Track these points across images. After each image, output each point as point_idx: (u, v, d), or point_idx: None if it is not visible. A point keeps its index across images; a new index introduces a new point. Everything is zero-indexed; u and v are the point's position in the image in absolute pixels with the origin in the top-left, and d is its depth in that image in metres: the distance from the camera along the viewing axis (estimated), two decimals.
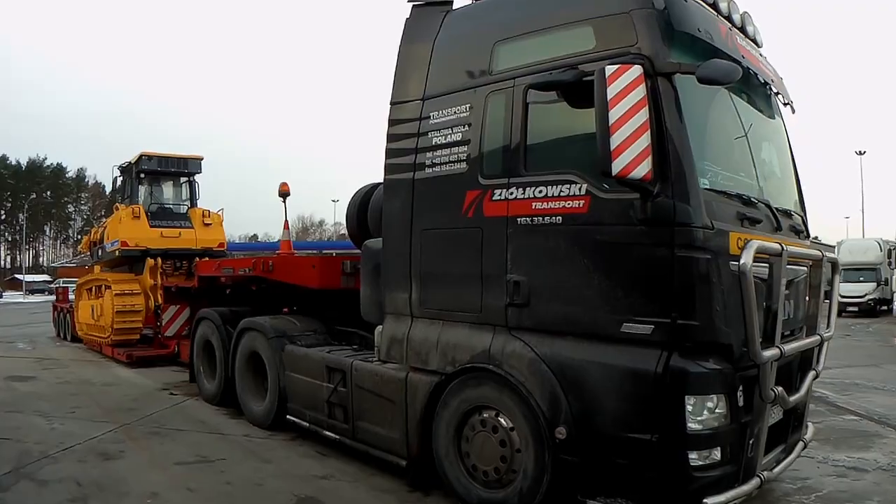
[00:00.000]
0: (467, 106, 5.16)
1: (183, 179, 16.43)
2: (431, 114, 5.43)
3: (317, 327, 7.69)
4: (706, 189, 4.21)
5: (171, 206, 16.23)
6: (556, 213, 4.52)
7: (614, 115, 3.94)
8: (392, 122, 5.80)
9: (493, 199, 4.88)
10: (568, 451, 4.41)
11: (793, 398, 4.73)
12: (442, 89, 5.40)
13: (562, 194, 4.49)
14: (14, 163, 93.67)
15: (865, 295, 30.23)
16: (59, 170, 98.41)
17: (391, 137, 5.79)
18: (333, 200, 76.82)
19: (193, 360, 9.65)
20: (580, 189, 4.41)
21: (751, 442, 4.36)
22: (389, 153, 5.79)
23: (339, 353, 6.75)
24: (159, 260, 14.19)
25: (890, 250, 27.09)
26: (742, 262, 4.06)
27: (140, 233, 14.55)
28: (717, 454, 4.14)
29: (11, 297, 58.63)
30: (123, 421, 8.02)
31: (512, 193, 4.76)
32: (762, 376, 4.25)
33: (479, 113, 5.06)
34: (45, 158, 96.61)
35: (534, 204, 4.63)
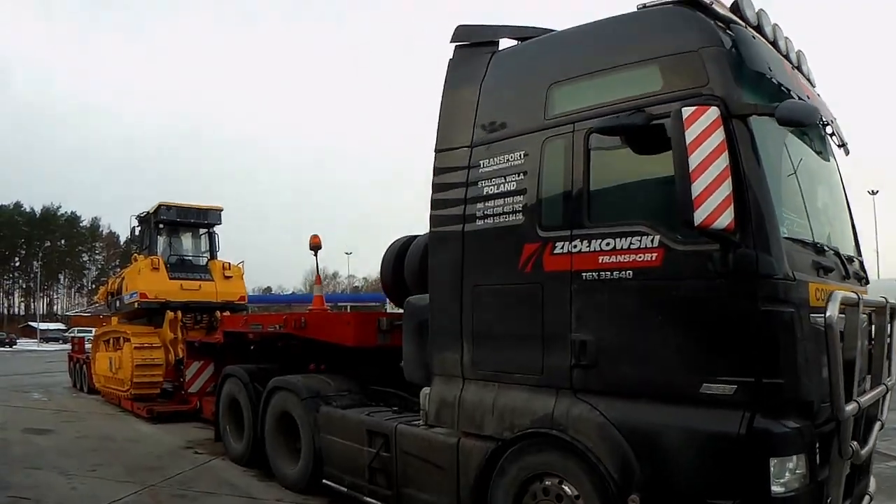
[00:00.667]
0: (521, 153, 4.90)
1: (202, 230, 16.31)
2: (481, 161, 5.17)
3: (351, 387, 7.38)
4: (785, 238, 3.96)
5: (190, 257, 16.13)
6: (626, 268, 4.24)
7: (694, 160, 3.70)
8: (438, 171, 5.54)
9: (554, 252, 4.60)
10: None
11: (863, 451, 4.47)
12: (492, 135, 5.16)
13: (632, 247, 4.21)
14: (28, 210, 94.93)
15: None
16: (74, 218, 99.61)
17: (437, 187, 5.53)
18: (347, 253, 76.84)
19: (219, 418, 9.35)
20: (652, 241, 4.13)
21: (829, 501, 4.13)
22: (435, 204, 5.53)
23: (378, 415, 6.44)
24: (179, 313, 14.03)
25: None
26: (828, 314, 3.85)
27: (159, 285, 14.37)
28: None
29: (26, 344, 58.80)
30: (148, 481, 7.72)
31: (575, 246, 4.49)
32: (843, 432, 4.06)
33: (536, 160, 4.80)
34: (60, 206, 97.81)
35: (600, 258, 4.35)
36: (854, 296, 4.23)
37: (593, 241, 4.40)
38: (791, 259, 3.90)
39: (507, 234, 4.92)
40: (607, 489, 4.21)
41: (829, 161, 5.46)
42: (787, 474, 3.82)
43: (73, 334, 30.05)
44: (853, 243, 5.53)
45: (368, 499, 6.17)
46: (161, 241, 15.71)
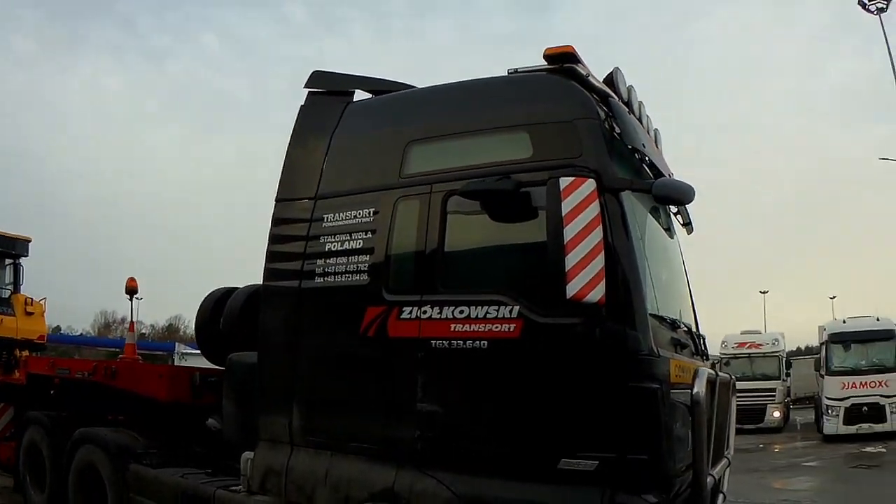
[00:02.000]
0: (371, 210, 4.62)
1: (8, 261, 14.90)
2: (325, 216, 4.83)
3: (160, 444, 6.73)
4: (650, 315, 3.97)
5: None
6: (480, 337, 4.03)
7: (569, 232, 3.63)
8: (276, 222, 5.14)
9: (401, 317, 4.33)
10: None
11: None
12: (339, 189, 4.84)
13: (488, 316, 4.02)
14: None
15: None
16: None
17: (274, 238, 5.12)
18: (138, 298, 72.13)
19: (20, 467, 8.30)
20: (511, 311, 3.96)
21: None
22: (271, 256, 5.11)
23: (193, 477, 5.88)
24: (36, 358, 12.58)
25: (712, 363, 28.65)
26: (695, 391, 3.92)
27: None
28: None
29: None
30: None
31: (425, 312, 4.24)
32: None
33: (387, 219, 4.52)
34: None
35: (453, 326, 4.13)
36: (714, 373, 4.38)
37: (445, 308, 4.19)
38: (654, 335, 3.90)
39: (349, 294, 4.62)
40: None
41: (673, 238, 5.64)
42: None
43: None
44: (693, 319, 5.70)
45: None
46: None
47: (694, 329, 5.35)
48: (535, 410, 3.97)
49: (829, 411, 20.80)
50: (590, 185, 3.74)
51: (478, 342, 4.07)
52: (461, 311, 4.13)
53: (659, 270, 4.84)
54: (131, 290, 8.13)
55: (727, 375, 5.22)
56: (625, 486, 3.74)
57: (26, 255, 14.93)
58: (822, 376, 22.13)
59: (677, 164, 5.50)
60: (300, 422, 4.81)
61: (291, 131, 5.29)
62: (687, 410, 4.00)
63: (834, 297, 54.40)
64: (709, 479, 4.10)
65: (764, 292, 61.31)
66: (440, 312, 4.21)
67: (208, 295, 7.03)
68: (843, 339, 21.66)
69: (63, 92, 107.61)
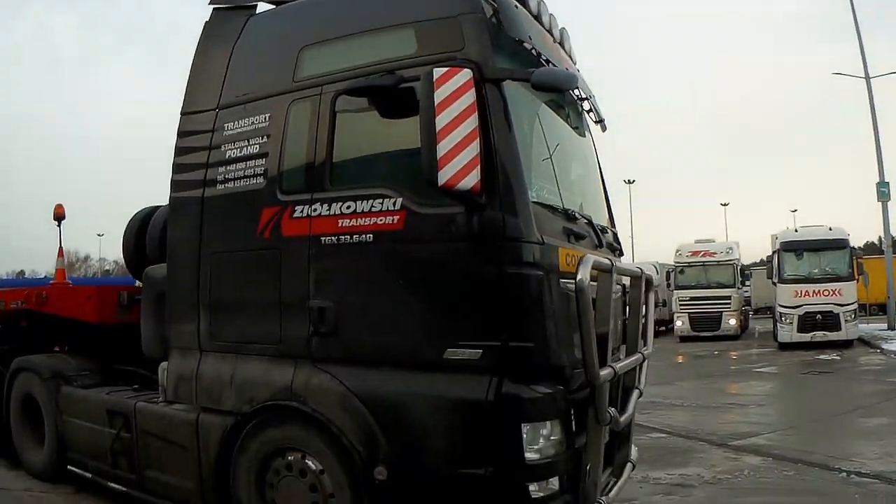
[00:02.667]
0: (266, 116, 4.70)
1: None
2: (226, 125, 4.91)
3: (93, 366, 6.81)
4: (534, 202, 3.99)
5: None
6: (366, 231, 4.14)
7: (442, 120, 3.63)
8: (181, 134, 5.22)
9: (294, 216, 4.43)
10: (389, 493, 4.00)
11: (623, 418, 4.65)
12: (239, 98, 4.90)
13: (373, 210, 4.11)
14: None
15: None
16: None
17: (179, 151, 5.21)
18: (99, 234, 71.46)
19: None
20: (394, 204, 4.05)
21: (588, 468, 4.16)
22: (177, 168, 5.21)
23: (119, 394, 5.97)
24: None
25: (668, 272, 29.36)
26: (578, 278, 3.85)
27: None
28: (554, 483, 3.88)
29: None
30: None
31: (315, 210, 4.34)
32: (598, 398, 4.05)
33: (280, 123, 4.61)
34: None
35: (341, 221, 4.23)
36: (607, 262, 4.30)
37: (333, 205, 4.28)
38: (540, 223, 3.92)
39: (246, 198, 4.72)
40: (352, 462, 4.11)
41: (584, 137, 5.68)
42: (541, 441, 3.82)
43: None
44: (607, 216, 5.81)
45: (112, 484, 5.76)
46: None
47: (603, 224, 5.41)
48: (419, 301, 4.06)
49: (783, 319, 21.39)
50: (465, 74, 3.74)
51: (364, 236, 4.17)
52: (348, 207, 4.22)
53: (564, 165, 4.93)
54: (59, 217, 8.08)
55: (637, 269, 5.26)
56: (512, 376, 3.81)
57: None
58: (774, 284, 22.63)
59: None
60: (206, 327, 4.91)
61: (195, 47, 5.31)
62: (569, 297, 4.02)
63: (795, 211, 55.31)
64: (605, 372, 4.09)
65: (725, 204, 62.35)
66: (329, 209, 4.30)
67: (134, 215, 7.04)
68: (795, 247, 22.07)
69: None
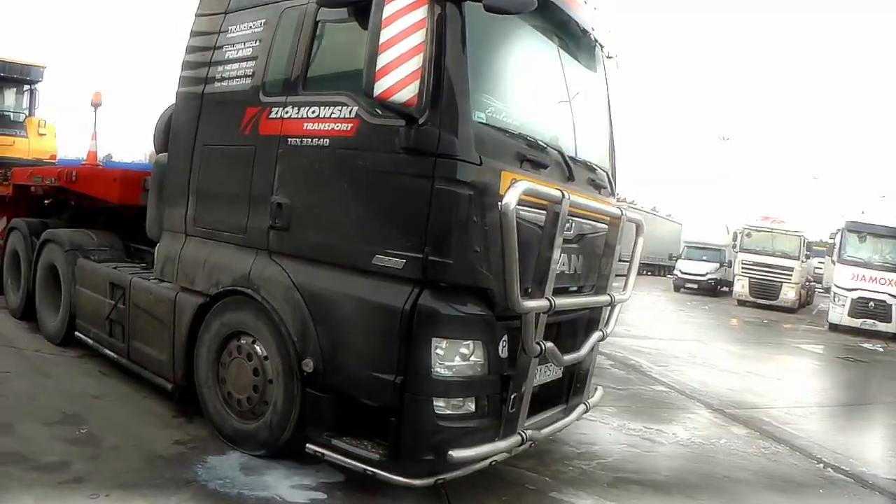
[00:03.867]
0: (262, 21, 4.91)
1: (25, 87, 15.52)
2: (230, 27, 5.17)
3: (113, 243, 7.32)
4: (481, 123, 4.04)
5: (9, 113, 15.28)
6: (324, 136, 4.33)
7: (387, 34, 3.69)
8: (193, 34, 5.52)
9: (270, 117, 4.67)
10: (316, 385, 4.26)
11: (568, 357, 4.64)
12: (244, 3, 5.13)
13: (332, 116, 4.30)
14: None
15: (707, 274, 31.63)
16: None
17: (189, 49, 5.52)
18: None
19: (3, 270, 9.05)
20: (350, 112, 4.21)
21: (513, 397, 4.21)
22: (185, 65, 5.52)
23: (125, 269, 6.42)
24: (21, 169, 13.30)
25: (735, 233, 28.62)
26: (504, 201, 3.79)
27: None
28: (470, 405, 4.01)
29: None
30: None
31: (287, 112, 4.56)
32: (524, 327, 4.07)
33: (272, 28, 4.82)
34: None
35: (305, 124, 4.44)
36: (555, 192, 4.19)
37: (302, 108, 4.49)
38: (483, 145, 3.96)
39: (236, 97, 4.97)
40: (289, 352, 4.39)
41: (593, 71, 5.59)
42: (456, 359, 3.93)
43: None
44: (606, 156, 5.71)
45: (107, 351, 6.27)
46: None
47: (592, 161, 5.30)
48: (359, 206, 4.21)
49: (836, 299, 20.67)
50: None
51: (322, 140, 4.36)
52: (313, 111, 4.42)
53: (549, 96, 4.92)
54: (96, 104, 8.58)
55: (617, 210, 5.13)
56: (434, 291, 3.91)
57: (41, 81, 15.59)
58: (833, 263, 21.86)
59: None
60: (192, 213, 5.28)
61: None
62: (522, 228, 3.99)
63: (884, 197, 52.13)
64: (534, 303, 4.06)
65: (815, 178, 59.34)
66: (298, 112, 4.51)
67: (166, 108, 7.36)
68: (859, 229, 21.11)
69: None
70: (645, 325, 15.63)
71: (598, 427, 6.40)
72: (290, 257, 4.54)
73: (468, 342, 3.97)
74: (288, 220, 4.50)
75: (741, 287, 27.12)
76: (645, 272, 41.76)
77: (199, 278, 5.10)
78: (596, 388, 5.78)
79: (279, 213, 4.52)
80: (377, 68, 3.67)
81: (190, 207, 5.28)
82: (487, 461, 4.18)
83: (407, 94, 3.72)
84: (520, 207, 3.96)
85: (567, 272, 4.72)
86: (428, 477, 3.92)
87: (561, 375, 4.99)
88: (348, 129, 4.23)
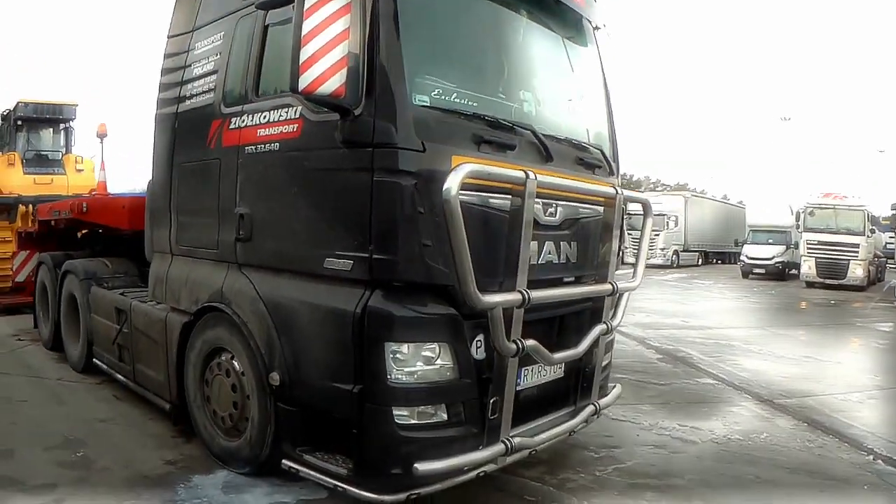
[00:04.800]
0: (221, 34, 4.86)
1: (61, 126, 15.99)
2: (196, 44, 5.14)
3: (128, 269, 7.38)
4: (424, 106, 3.77)
5: (46, 152, 15.75)
6: (274, 140, 4.21)
7: (309, 24, 3.50)
8: (166, 56, 5.54)
9: (230, 127, 4.58)
10: (284, 399, 4.11)
11: (560, 355, 4.29)
12: (207, 19, 5.09)
13: (280, 119, 4.17)
14: None
15: (773, 257, 30.22)
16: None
17: (163, 71, 5.53)
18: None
19: (36, 304, 9.30)
20: (295, 112, 4.07)
21: (492, 402, 3.89)
22: (160, 87, 5.53)
23: (132, 294, 6.43)
24: (31, 206, 13.72)
25: (798, 213, 27.49)
26: (445, 187, 3.43)
27: (13, 180, 14.09)
28: (442, 413, 3.75)
29: None
30: None
31: (244, 121, 4.47)
32: (491, 325, 3.69)
33: (230, 40, 4.74)
34: None
35: (259, 131, 4.32)
36: (515, 173, 3.83)
37: (255, 115, 4.39)
38: (428, 129, 3.70)
39: (203, 112, 4.93)
40: (258, 366, 4.24)
41: (579, 44, 5.25)
42: (418, 364, 3.68)
43: None
44: (603, 132, 5.34)
45: (118, 375, 6.33)
46: (21, 137, 15.41)
47: (578, 139, 4.94)
48: (308, 208, 4.06)
49: None
50: None
51: (272, 145, 4.24)
52: (264, 117, 4.31)
53: (521, 74, 4.65)
54: (101, 135, 8.72)
55: (610, 188, 4.74)
56: (386, 292, 3.70)
57: (74, 119, 16.11)
58: None
59: None
60: (174, 232, 5.25)
61: None
62: (471, 214, 3.71)
63: None
64: (499, 297, 3.72)
65: (881, 151, 56.92)
66: (252, 119, 4.41)
67: None
68: None
69: None
70: (704, 314, 15.09)
71: (626, 428, 6.04)
72: (255, 268, 4.42)
73: (432, 345, 3.70)
74: (250, 230, 4.38)
75: (808, 268, 26.08)
76: (714, 260, 40.88)
77: (182, 297, 5.05)
78: (614, 386, 5.42)
79: (242, 223, 4.41)
80: (301, 62, 3.48)
81: (173, 227, 5.23)
82: (474, 473, 3.90)
83: (332, 85, 3.52)
84: (483, 194, 3.76)
85: (556, 261, 4.41)
86: (398, 492, 3.68)
87: (563, 375, 4.64)
88: (294, 130, 4.09)
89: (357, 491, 3.71)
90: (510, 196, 3.90)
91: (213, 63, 4.88)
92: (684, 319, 14.03)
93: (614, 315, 4.89)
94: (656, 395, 7.33)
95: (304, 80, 3.48)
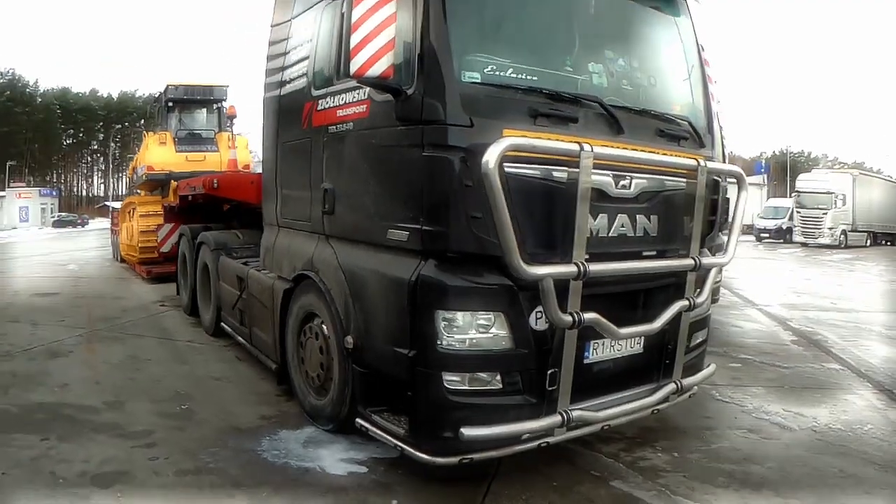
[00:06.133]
0: (312, 21, 5.15)
1: (214, 106, 16.96)
2: (294, 33, 5.47)
3: (257, 240, 7.92)
4: (474, 83, 3.85)
5: (199, 131, 16.73)
6: (350, 120, 4.50)
7: (358, 11, 3.72)
8: (270, 43, 5.91)
9: (318, 109, 4.92)
10: (357, 360, 4.37)
11: (627, 330, 4.21)
12: (301, 8, 5.39)
13: (354, 100, 4.45)
14: (105, 95, 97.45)
15: None
16: (151, 99, 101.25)
17: (268, 58, 5.91)
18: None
19: (178, 273, 10.21)
20: (364, 94, 4.32)
21: (550, 373, 3.94)
22: (266, 73, 5.92)
23: (254, 262, 6.87)
24: (182, 182, 14.80)
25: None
26: (483, 160, 3.50)
27: (165, 158, 15.18)
28: (497, 381, 3.85)
29: (101, 223, 61.54)
30: (97, 328, 8.69)
31: (328, 103, 4.79)
32: (542, 296, 3.73)
33: (317, 27, 5.04)
34: (137, 90, 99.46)
35: (338, 111, 4.63)
36: (568, 146, 3.82)
37: (336, 97, 4.68)
38: (477, 105, 3.78)
39: (298, 95, 5.27)
40: (338, 330, 4.56)
41: (665, 12, 5.10)
42: (471, 332, 3.78)
43: (112, 208, 31.01)
44: (693, 103, 5.15)
45: (239, 338, 6.91)
46: (173, 118, 16.50)
47: (679, 112, 4.87)
48: (376, 183, 4.28)
49: None
50: None
51: (348, 124, 4.53)
52: (342, 98, 4.60)
53: (592, 44, 4.59)
54: (231, 116, 9.34)
55: (692, 160, 4.54)
56: (440, 261, 3.84)
57: (225, 99, 16.90)
58: None
59: None
60: (280, 206, 5.69)
61: None
62: (528, 186, 3.85)
63: None
64: (548, 269, 3.72)
65: None
66: (334, 101, 4.71)
67: None
68: None
69: None
70: (856, 297, 14.25)
71: (728, 409, 5.87)
72: (338, 239, 4.73)
73: (486, 314, 3.80)
74: (332, 204, 4.70)
75: None
76: (884, 242, 38.28)
77: (284, 265, 5.49)
78: (708, 365, 5.30)
79: (326, 197, 4.75)
80: (352, 47, 3.70)
81: (279, 201, 5.69)
82: (534, 443, 3.98)
83: (380, 67, 3.71)
84: (546, 167, 3.84)
85: (633, 235, 4.34)
86: (451, 455, 3.83)
87: (642, 351, 4.58)
88: (363, 110, 4.35)
89: (413, 451, 3.91)
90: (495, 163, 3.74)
91: (305, 49, 5.19)
92: (834, 301, 13.22)
93: (700, 292, 4.76)
94: (774, 378, 7.04)
95: (355, 64, 3.70)
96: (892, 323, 10.87)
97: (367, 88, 4.23)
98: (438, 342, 3.76)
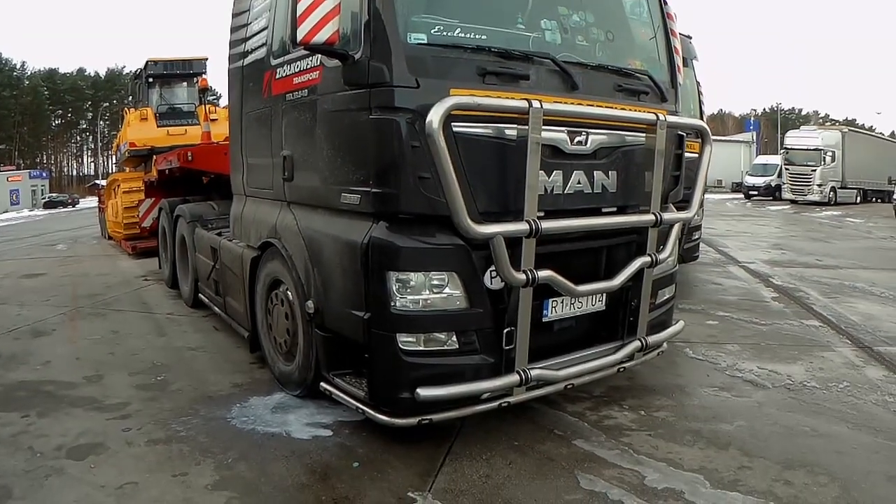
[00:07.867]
0: None
1: (194, 80, 16.76)
2: (255, 3, 5.43)
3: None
4: (421, 44, 3.82)
5: (180, 105, 16.64)
6: (304, 87, 4.49)
7: None
8: (233, 15, 5.86)
9: (277, 78, 4.89)
10: (318, 325, 4.41)
11: (585, 287, 4.22)
12: None
13: (307, 67, 4.44)
14: (92, 74, 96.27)
15: None
16: (131, 76, 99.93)
17: (231, 30, 5.87)
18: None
19: (159, 247, 10.27)
20: (317, 60, 4.31)
21: (506, 332, 3.95)
22: (230, 45, 5.89)
23: (227, 232, 6.89)
24: (159, 156, 14.69)
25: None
26: (427, 120, 3.52)
27: (147, 133, 15.10)
28: (453, 341, 3.87)
29: (91, 202, 61.36)
30: (80, 305, 8.73)
31: (285, 71, 4.77)
32: (493, 254, 3.76)
33: None
34: (124, 67, 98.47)
35: (294, 79, 4.61)
36: (515, 103, 3.81)
37: (292, 65, 4.66)
38: (423, 66, 3.77)
39: (259, 65, 5.24)
40: (301, 294, 4.59)
41: None
42: (424, 292, 3.79)
43: (100, 186, 30.86)
44: (656, 57, 5.10)
45: (215, 308, 6.99)
46: (153, 93, 16.41)
47: (638, 66, 4.81)
48: (328, 148, 4.25)
49: None
50: None
51: (303, 91, 4.51)
52: (297, 66, 4.57)
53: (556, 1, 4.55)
54: (203, 89, 9.29)
55: (649, 114, 4.53)
56: (391, 224, 3.84)
57: (204, 72, 16.74)
58: None
59: None
60: (245, 176, 5.70)
61: None
62: (478, 145, 3.85)
63: None
64: (495, 227, 3.73)
65: None
66: (290, 69, 4.68)
67: None
68: None
69: None
70: (841, 254, 14.19)
71: (701, 367, 5.87)
72: (298, 205, 4.74)
73: (439, 274, 3.82)
74: (291, 170, 4.69)
75: None
76: (874, 199, 38.03)
77: (251, 234, 5.51)
78: (676, 322, 5.31)
79: (286, 165, 4.73)
80: (298, 14, 3.69)
81: (245, 171, 5.69)
82: (494, 403, 4.02)
83: (326, 33, 3.71)
84: (498, 125, 3.82)
85: (589, 191, 4.32)
86: (410, 416, 3.88)
87: (605, 309, 4.58)
88: (316, 77, 4.33)
89: (372, 413, 3.97)
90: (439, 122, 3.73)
91: (265, 20, 5.16)
92: (819, 258, 13.22)
93: (663, 248, 4.77)
94: (750, 336, 7.04)
95: (301, 32, 3.69)
96: (877, 280, 10.84)
97: (320, 55, 4.20)
98: (392, 304, 3.78)
